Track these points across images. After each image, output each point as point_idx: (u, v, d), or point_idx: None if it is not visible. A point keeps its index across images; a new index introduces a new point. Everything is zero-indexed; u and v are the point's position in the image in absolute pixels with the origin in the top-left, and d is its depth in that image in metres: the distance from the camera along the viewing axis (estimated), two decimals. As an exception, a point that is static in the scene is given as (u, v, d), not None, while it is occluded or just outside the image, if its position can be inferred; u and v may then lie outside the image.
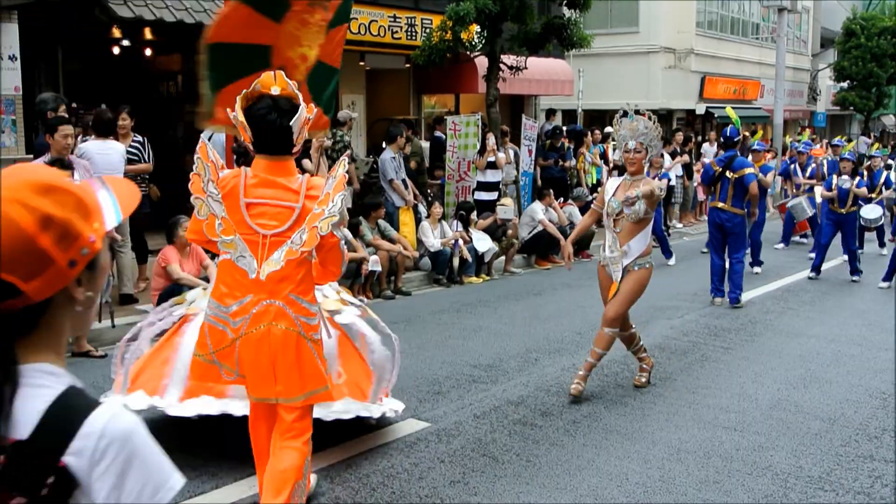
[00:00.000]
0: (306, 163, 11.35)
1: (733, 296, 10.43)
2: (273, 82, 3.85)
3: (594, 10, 16.73)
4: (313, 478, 4.70)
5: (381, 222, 11.31)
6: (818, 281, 12.29)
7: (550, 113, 20.32)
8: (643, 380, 7.12)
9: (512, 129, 17.05)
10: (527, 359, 7.94)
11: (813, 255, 13.06)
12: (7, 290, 1.37)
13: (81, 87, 13.14)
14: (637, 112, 6.97)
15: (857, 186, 12.34)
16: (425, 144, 14.37)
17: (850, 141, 21.40)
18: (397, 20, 17.17)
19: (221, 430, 5.32)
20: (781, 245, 15.82)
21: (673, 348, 8.43)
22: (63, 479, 1.36)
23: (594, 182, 17.58)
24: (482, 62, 16.35)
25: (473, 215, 12.77)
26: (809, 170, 15.86)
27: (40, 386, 1.41)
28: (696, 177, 16.93)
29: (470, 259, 12.20)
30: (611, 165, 18.12)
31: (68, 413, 1.40)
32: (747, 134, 25.67)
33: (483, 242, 12.49)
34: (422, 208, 12.67)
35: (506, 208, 13.43)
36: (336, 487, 5.00)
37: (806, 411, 6.60)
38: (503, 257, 13.09)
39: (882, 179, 14.69)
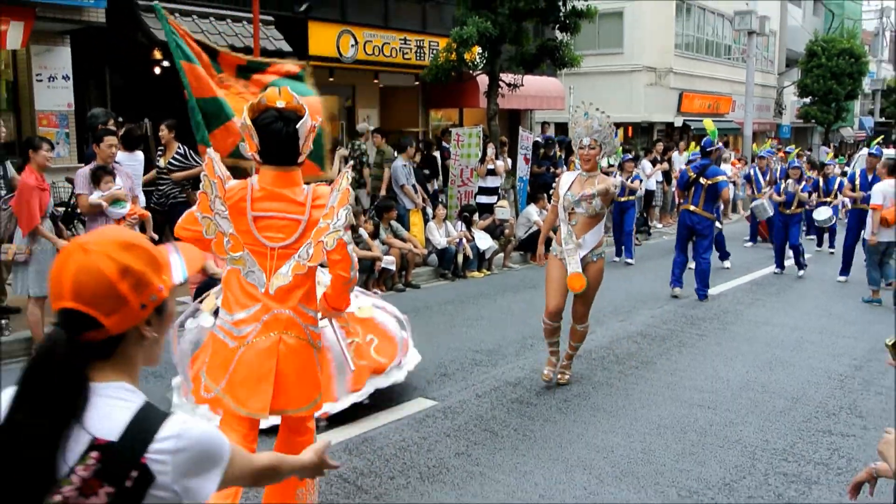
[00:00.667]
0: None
1: (701, 293, 10.28)
2: (278, 96, 3.57)
3: (583, 33, 16.70)
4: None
5: (394, 223, 11.35)
6: (783, 275, 12.28)
7: (545, 125, 20.32)
8: (547, 374, 6.58)
9: (510, 139, 17.07)
10: (523, 344, 7.96)
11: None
12: (91, 324, 1.61)
13: (126, 103, 13.17)
14: (598, 111, 6.48)
15: (802, 191, 12.35)
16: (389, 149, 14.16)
17: (799, 150, 21.29)
18: (407, 42, 17.19)
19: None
20: (750, 243, 15.81)
21: (653, 335, 8.44)
22: (144, 474, 1.56)
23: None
24: (483, 80, 16.38)
25: (475, 216, 12.78)
26: (770, 174, 15.87)
27: (122, 399, 1.64)
28: (675, 182, 16.90)
29: (472, 256, 12.22)
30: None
31: (148, 421, 1.61)
32: (721, 145, 25.73)
33: (484, 241, 12.52)
34: (429, 210, 12.70)
35: (503, 210, 13.47)
36: (354, 459, 5.03)
37: (771, 391, 6.62)
38: (502, 254, 13.12)
39: (836, 185, 14.70)
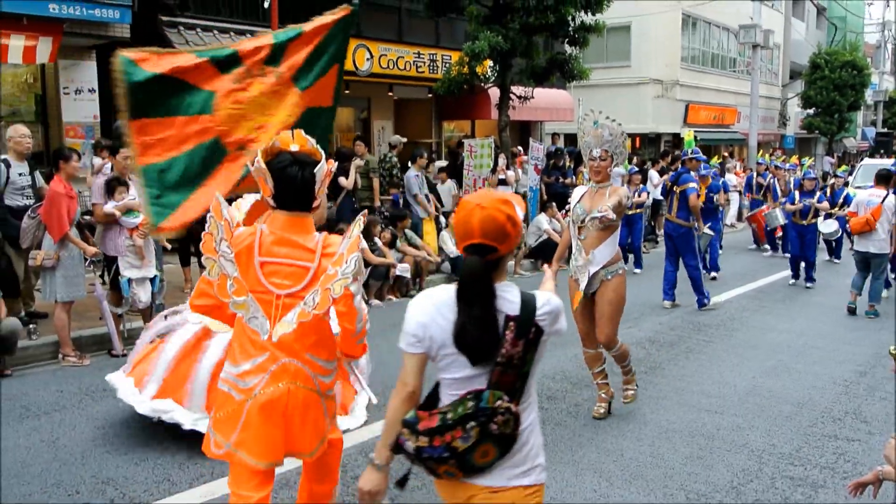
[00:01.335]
0: (342, 180, 11.41)
1: (699, 301, 10.05)
2: (291, 140, 3.39)
3: (592, 46, 16.74)
4: None
5: (408, 231, 11.37)
6: (787, 283, 12.19)
7: (554, 136, 20.33)
8: (602, 410, 5.98)
9: (521, 150, 17.08)
10: (534, 350, 7.93)
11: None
12: (492, 251, 2.53)
13: (150, 115, 13.22)
14: (608, 119, 5.88)
15: (818, 202, 12.26)
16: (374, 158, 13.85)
17: (811, 161, 21.15)
18: (421, 56, 17.23)
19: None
20: (769, 252, 15.67)
21: (661, 341, 8.41)
22: (538, 329, 2.55)
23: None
24: (495, 92, 16.42)
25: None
26: (783, 184, 15.71)
27: (510, 290, 2.57)
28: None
29: (484, 263, 12.21)
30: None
31: (530, 299, 2.57)
32: (726, 155, 25.63)
33: (496, 249, 12.51)
34: (442, 219, 12.71)
35: None
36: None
37: (778, 396, 6.58)
38: (513, 262, 13.11)
39: (842, 197, 14.56)
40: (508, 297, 2.54)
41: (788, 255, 12.85)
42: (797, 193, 12.50)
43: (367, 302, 9.54)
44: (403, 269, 10.74)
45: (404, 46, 16.90)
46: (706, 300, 10.11)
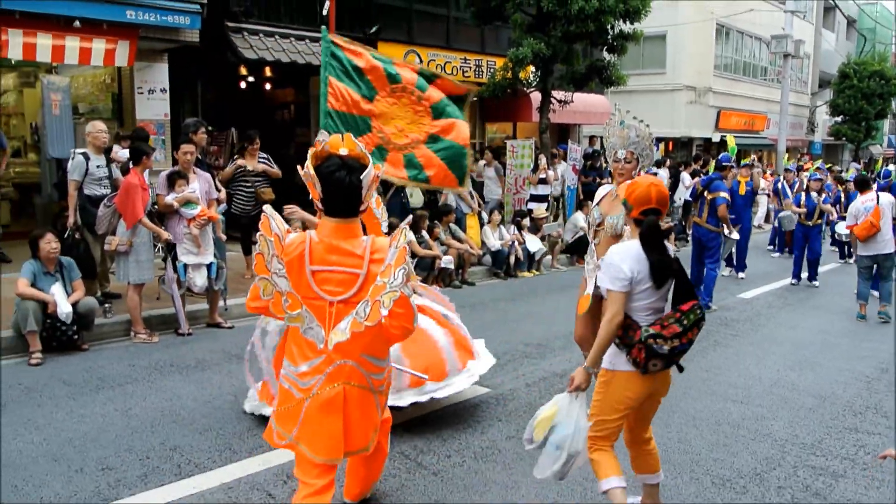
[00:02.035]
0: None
1: (703, 302, 9.50)
2: (341, 143, 3.30)
3: (629, 54, 16.58)
4: None
5: (452, 225, 11.39)
6: (810, 284, 11.98)
7: (592, 139, 20.18)
8: None
9: (559, 151, 17.01)
10: (569, 339, 7.87)
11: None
12: (660, 214, 3.53)
13: (216, 114, 13.44)
14: (636, 119, 5.37)
15: (823, 202, 11.99)
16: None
17: (829, 165, 20.59)
18: (467, 62, 17.22)
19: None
20: (777, 253, 15.42)
21: (690, 334, 8.32)
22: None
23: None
24: (536, 96, 16.36)
25: (526, 221, 12.77)
26: (798, 187, 15.39)
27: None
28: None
29: (523, 257, 12.21)
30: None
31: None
32: (755, 158, 25.21)
33: (534, 243, 12.49)
34: (484, 215, 12.71)
35: (551, 226, 13.44)
36: (414, 438, 5.08)
37: (801, 389, 6.50)
38: (550, 256, 13.07)
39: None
40: (665, 243, 3.56)
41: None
42: (803, 195, 12.18)
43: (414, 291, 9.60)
44: (448, 261, 10.79)
45: (452, 52, 16.90)
46: (710, 304, 9.72)
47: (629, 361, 3.55)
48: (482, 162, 14.72)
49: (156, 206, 7.73)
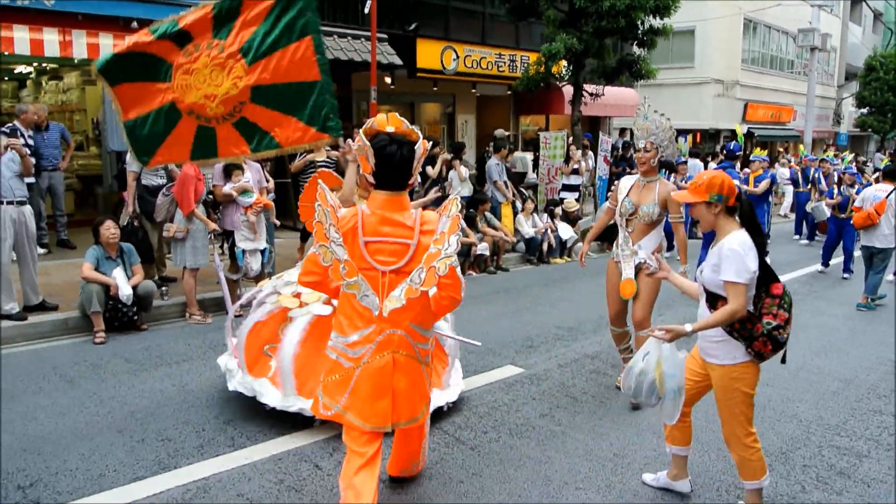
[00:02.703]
0: (429, 169, 11.51)
1: None
2: (386, 122, 3.30)
3: (658, 48, 16.37)
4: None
5: (487, 214, 11.38)
6: (838, 270, 11.76)
7: (623, 131, 20.00)
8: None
9: (590, 143, 16.89)
10: (600, 323, 7.90)
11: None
12: (713, 203, 3.48)
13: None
14: (657, 113, 5.47)
15: (856, 193, 11.66)
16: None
17: (855, 155, 20.00)
18: (502, 57, 17.14)
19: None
20: (806, 241, 15.15)
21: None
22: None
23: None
24: (568, 90, 16.26)
25: (559, 210, 12.71)
26: (830, 179, 15.00)
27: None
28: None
29: (555, 244, 12.17)
30: (665, 173, 17.71)
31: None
32: (782, 150, 24.75)
33: (566, 231, 12.44)
34: (518, 203, 12.68)
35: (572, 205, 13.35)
36: (453, 415, 5.11)
37: (826, 373, 6.41)
38: (581, 243, 12.99)
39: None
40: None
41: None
42: (836, 188, 11.78)
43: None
44: (483, 248, 10.80)
45: (487, 48, 16.83)
46: None
47: (750, 353, 3.52)
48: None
49: (211, 196, 7.83)
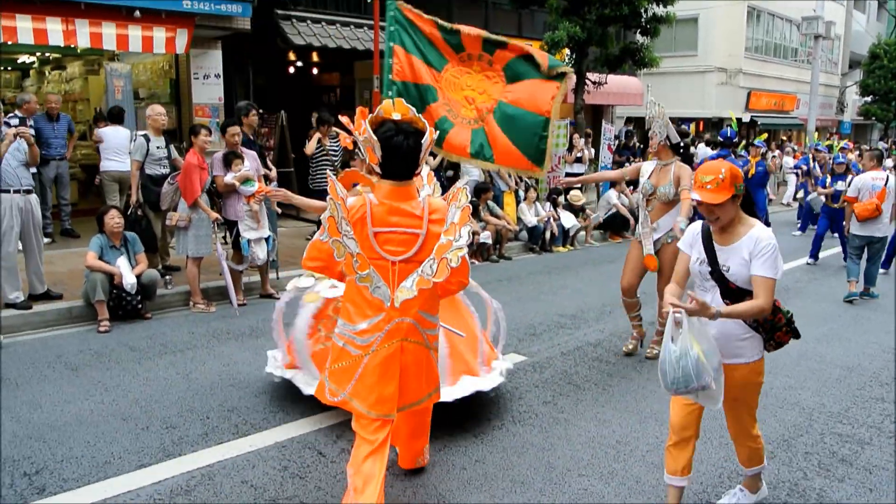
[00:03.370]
0: (430, 158, 11.48)
1: None
2: (392, 108, 3.25)
3: (661, 36, 16.29)
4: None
5: (490, 202, 11.36)
6: (839, 259, 11.70)
7: (629, 120, 19.96)
8: (630, 347, 6.39)
9: (593, 132, 16.82)
10: (602, 311, 7.91)
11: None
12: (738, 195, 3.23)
13: (266, 98, 13.54)
14: (652, 102, 6.16)
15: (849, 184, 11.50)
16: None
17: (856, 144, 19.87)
18: (504, 45, 17.05)
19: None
20: (798, 232, 14.88)
21: (719, 307, 8.23)
22: None
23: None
24: (571, 78, 16.15)
25: (562, 199, 12.69)
26: (825, 169, 14.87)
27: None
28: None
29: (558, 233, 12.15)
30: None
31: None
32: (785, 139, 24.66)
33: (568, 220, 12.42)
34: (521, 192, 12.66)
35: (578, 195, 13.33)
36: (455, 403, 5.11)
37: (828, 361, 6.40)
38: (584, 232, 12.99)
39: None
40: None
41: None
42: (828, 177, 11.53)
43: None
44: (486, 237, 10.78)
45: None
46: None
47: (771, 345, 3.53)
48: None
49: (213, 186, 7.81)
